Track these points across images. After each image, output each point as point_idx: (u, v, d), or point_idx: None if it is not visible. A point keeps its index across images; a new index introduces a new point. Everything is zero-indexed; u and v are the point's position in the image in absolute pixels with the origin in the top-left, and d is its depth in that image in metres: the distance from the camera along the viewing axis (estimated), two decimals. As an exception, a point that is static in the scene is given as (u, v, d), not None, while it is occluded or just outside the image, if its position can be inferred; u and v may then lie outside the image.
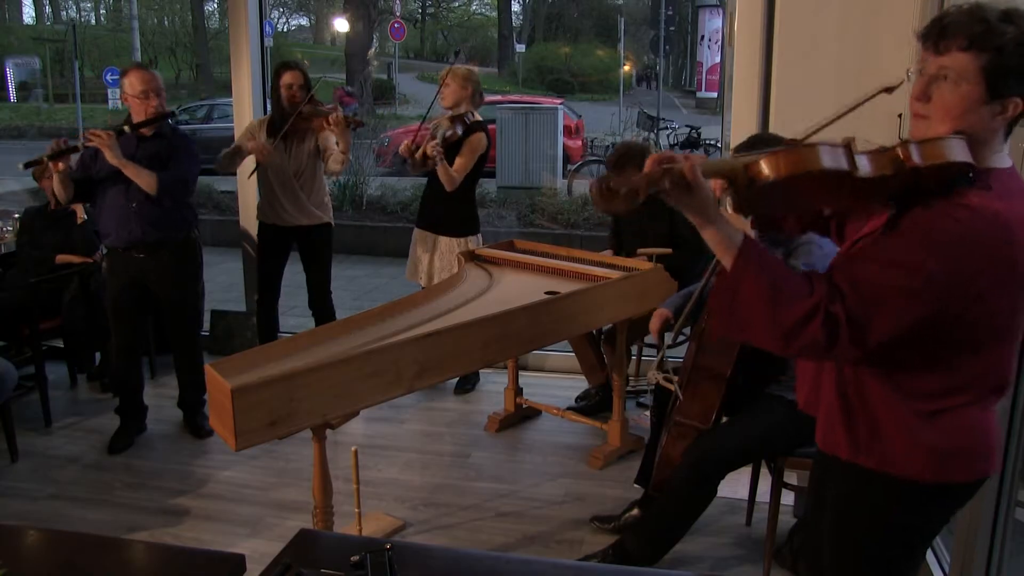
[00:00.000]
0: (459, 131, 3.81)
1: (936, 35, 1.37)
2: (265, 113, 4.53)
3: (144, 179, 3.32)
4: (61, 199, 3.40)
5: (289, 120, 3.81)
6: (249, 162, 4.06)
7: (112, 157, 3.24)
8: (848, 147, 1.35)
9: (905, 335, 1.40)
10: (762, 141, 2.48)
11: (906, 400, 1.49)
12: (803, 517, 2.80)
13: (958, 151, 1.36)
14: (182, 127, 12.51)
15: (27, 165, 3.31)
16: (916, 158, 1.35)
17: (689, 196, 1.39)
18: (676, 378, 2.75)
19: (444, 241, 3.95)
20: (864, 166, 1.35)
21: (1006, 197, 1.37)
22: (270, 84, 3.95)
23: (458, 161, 3.82)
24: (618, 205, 1.37)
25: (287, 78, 3.82)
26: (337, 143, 3.88)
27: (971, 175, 1.37)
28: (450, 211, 3.94)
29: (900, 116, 3.12)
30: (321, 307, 4.16)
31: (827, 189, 1.39)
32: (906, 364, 1.48)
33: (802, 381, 1.74)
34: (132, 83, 3.35)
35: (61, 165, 3.23)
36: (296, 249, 4.12)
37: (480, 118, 3.94)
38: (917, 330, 1.40)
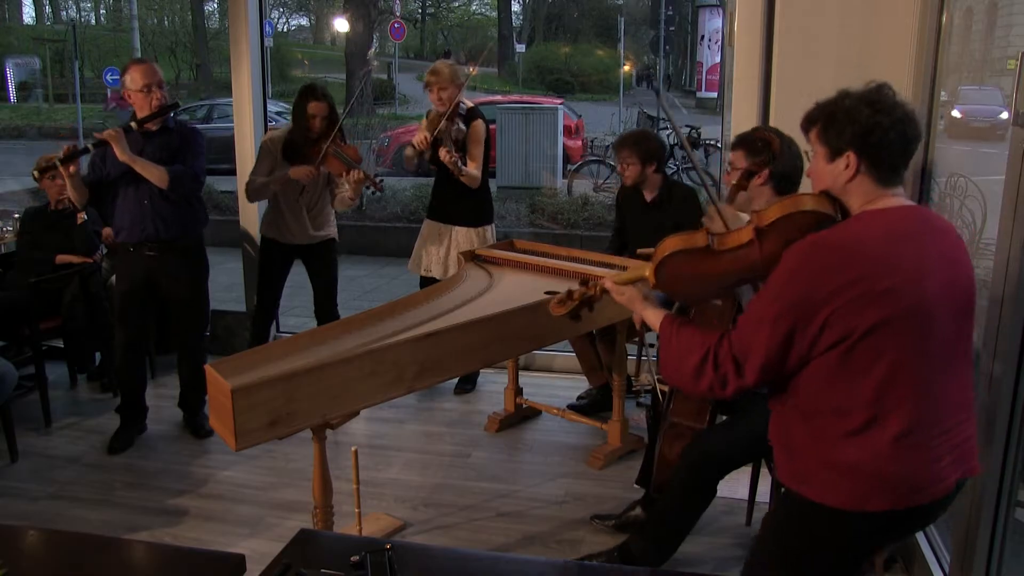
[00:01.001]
0: (464, 127, 3.79)
1: (802, 129, 1.75)
2: (265, 112, 4.53)
3: (153, 173, 3.31)
4: (77, 203, 3.47)
5: (306, 150, 3.73)
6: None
7: (121, 153, 3.23)
8: (706, 231, 1.80)
9: (777, 358, 1.62)
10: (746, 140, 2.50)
11: (811, 428, 1.66)
12: None
13: (802, 203, 1.70)
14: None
15: (41, 171, 3.34)
16: (757, 222, 1.72)
17: (617, 298, 1.96)
18: None
19: (461, 232, 3.93)
20: (716, 240, 1.77)
21: (858, 224, 1.63)
22: (294, 104, 3.81)
23: (470, 160, 3.82)
24: (565, 310, 2.04)
25: (312, 108, 3.70)
26: (348, 192, 3.84)
27: (836, 220, 1.67)
28: (466, 202, 3.93)
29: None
30: (328, 317, 4.08)
31: (703, 267, 1.80)
32: (802, 391, 1.66)
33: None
34: (134, 78, 3.34)
35: (72, 168, 3.23)
36: (300, 261, 4.09)
37: (471, 103, 3.90)
38: (788, 353, 1.62)
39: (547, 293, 3.09)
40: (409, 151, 3.89)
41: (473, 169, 3.81)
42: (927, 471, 1.62)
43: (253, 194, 3.89)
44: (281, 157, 3.80)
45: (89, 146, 3.30)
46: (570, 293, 2.03)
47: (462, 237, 3.93)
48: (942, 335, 1.60)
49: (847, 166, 1.64)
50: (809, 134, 1.71)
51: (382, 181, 3.89)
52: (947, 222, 1.74)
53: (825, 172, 1.68)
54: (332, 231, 4.06)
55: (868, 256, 1.56)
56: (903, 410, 1.59)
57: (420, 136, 3.78)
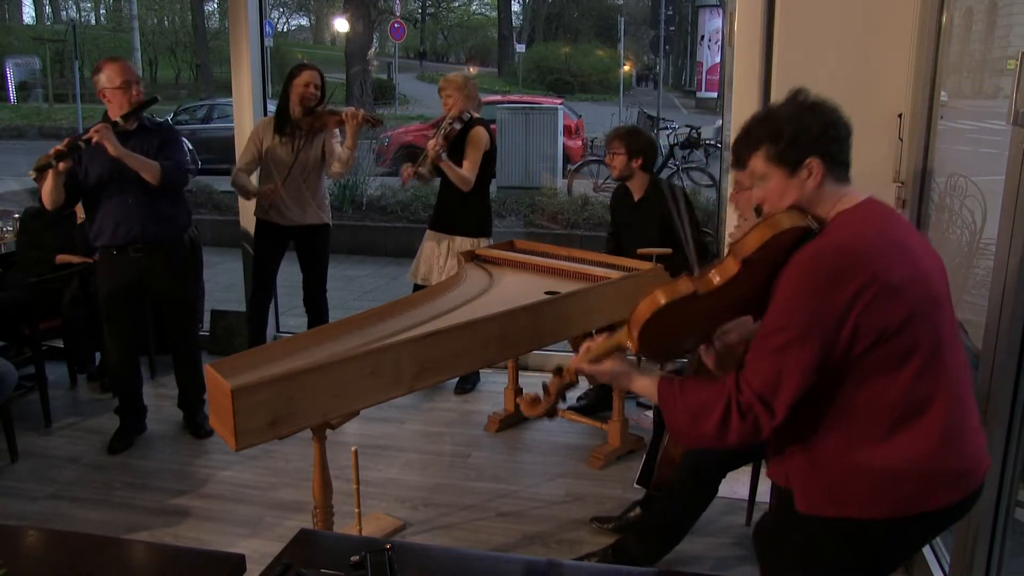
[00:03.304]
0: (457, 126, 3.84)
1: (733, 159, 1.73)
2: (265, 112, 4.53)
3: (147, 168, 3.29)
4: (49, 203, 3.30)
5: (298, 121, 3.83)
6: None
7: (113, 149, 3.20)
8: (687, 277, 1.65)
9: (811, 381, 1.55)
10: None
11: (846, 441, 1.59)
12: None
13: (780, 222, 1.61)
14: (183, 127, 12.54)
15: (38, 170, 3.26)
16: (739, 252, 1.61)
17: (599, 377, 1.78)
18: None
19: (459, 242, 3.96)
20: (701, 283, 1.62)
21: (847, 227, 1.59)
22: (281, 85, 3.93)
23: (465, 161, 3.85)
24: (540, 410, 1.89)
25: (306, 77, 3.83)
26: (343, 142, 3.89)
27: (815, 231, 1.61)
28: (467, 212, 3.96)
29: (900, 116, 3.13)
30: (316, 306, 4.19)
31: (692, 314, 1.66)
32: (829, 403, 1.59)
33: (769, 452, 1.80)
34: (110, 76, 3.30)
35: (62, 166, 3.20)
36: (293, 248, 4.12)
37: (480, 115, 3.98)
38: (820, 376, 1.55)
39: (547, 293, 3.11)
40: (405, 175, 3.95)
41: (466, 171, 3.83)
42: (974, 455, 1.63)
43: (234, 187, 4.03)
44: (274, 134, 3.89)
45: (81, 143, 3.22)
46: (545, 388, 1.88)
47: (459, 247, 3.94)
48: (948, 316, 1.62)
49: (810, 174, 1.61)
50: (750, 162, 1.67)
51: (379, 117, 4.08)
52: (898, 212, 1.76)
53: (789, 188, 1.63)
54: (327, 215, 4.12)
55: (872, 254, 1.54)
56: (941, 399, 1.57)
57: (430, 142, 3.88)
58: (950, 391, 1.59)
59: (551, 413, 1.93)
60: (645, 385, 1.73)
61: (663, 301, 1.62)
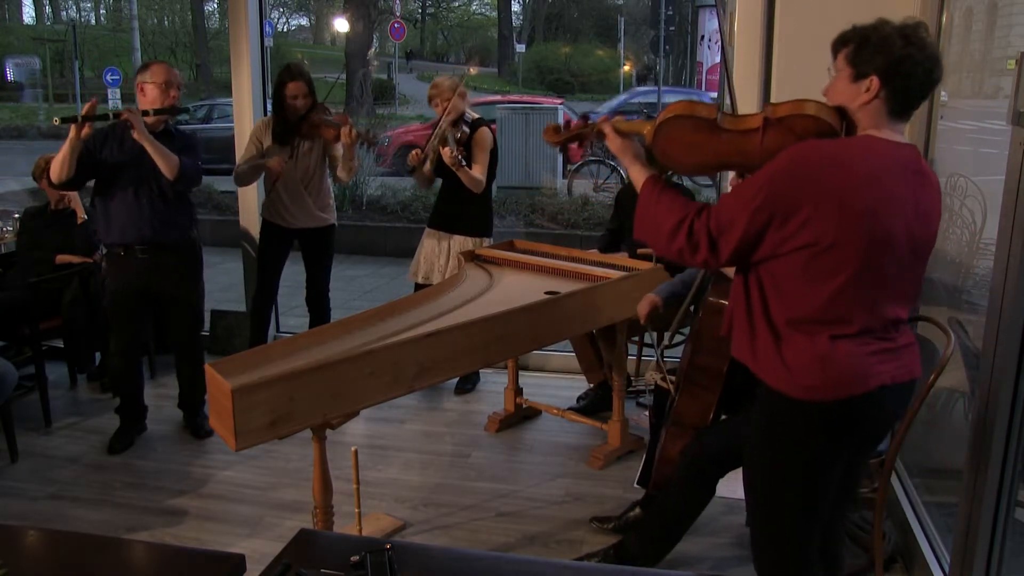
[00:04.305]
0: (467, 130, 3.85)
1: (832, 49, 1.82)
2: (265, 114, 4.53)
3: (166, 159, 3.31)
4: (56, 174, 3.27)
5: (295, 128, 3.83)
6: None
7: (139, 132, 3.23)
8: (716, 107, 1.87)
9: (749, 245, 1.73)
10: None
11: (772, 323, 1.79)
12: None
13: (814, 108, 1.75)
14: (183, 127, 12.56)
15: (63, 120, 3.21)
16: (769, 113, 1.78)
17: (609, 143, 2.02)
18: (673, 378, 2.74)
19: (458, 240, 3.96)
20: (723, 117, 1.83)
21: (852, 142, 1.72)
22: (272, 88, 3.93)
23: (475, 163, 3.85)
24: (558, 139, 2.14)
25: (291, 89, 3.80)
26: (344, 153, 3.89)
27: (836, 133, 1.74)
28: (469, 211, 3.96)
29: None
30: (318, 304, 4.20)
31: (701, 139, 1.85)
32: (768, 287, 1.77)
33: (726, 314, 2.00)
34: (155, 71, 3.37)
35: (86, 130, 3.18)
36: (297, 247, 4.13)
37: (477, 115, 3.98)
38: (761, 242, 1.71)
39: (547, 293, 3.11)
40: (412, 159, 3.89)
41: (477, 172, 3.82)
42: (860, 366, 1.75)
43: (237, 180, 4.05)
44: (272, 141, 3.88)
45: (110, 114, 3.30)
46: (567, 124, 2.12)
47: (459, 246, 3.94)
48: (897, 266, 1.73)
49: (867, 89, 1.71)
50: (838, 54, 1.77)
51: (374, 135, 4.01)
52: (933, 174, 1.83)
53: (846, 90, 1.74)
54: (332, 216, 4.12)
55: (857, 173, 1.65)
56: (848, 320, 1.73)
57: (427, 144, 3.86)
58: (859, 320, 1.73)
59: (564, 148, 2.20)
60: (637, 173, 1.96)
61: (681, 111, 1.86)
